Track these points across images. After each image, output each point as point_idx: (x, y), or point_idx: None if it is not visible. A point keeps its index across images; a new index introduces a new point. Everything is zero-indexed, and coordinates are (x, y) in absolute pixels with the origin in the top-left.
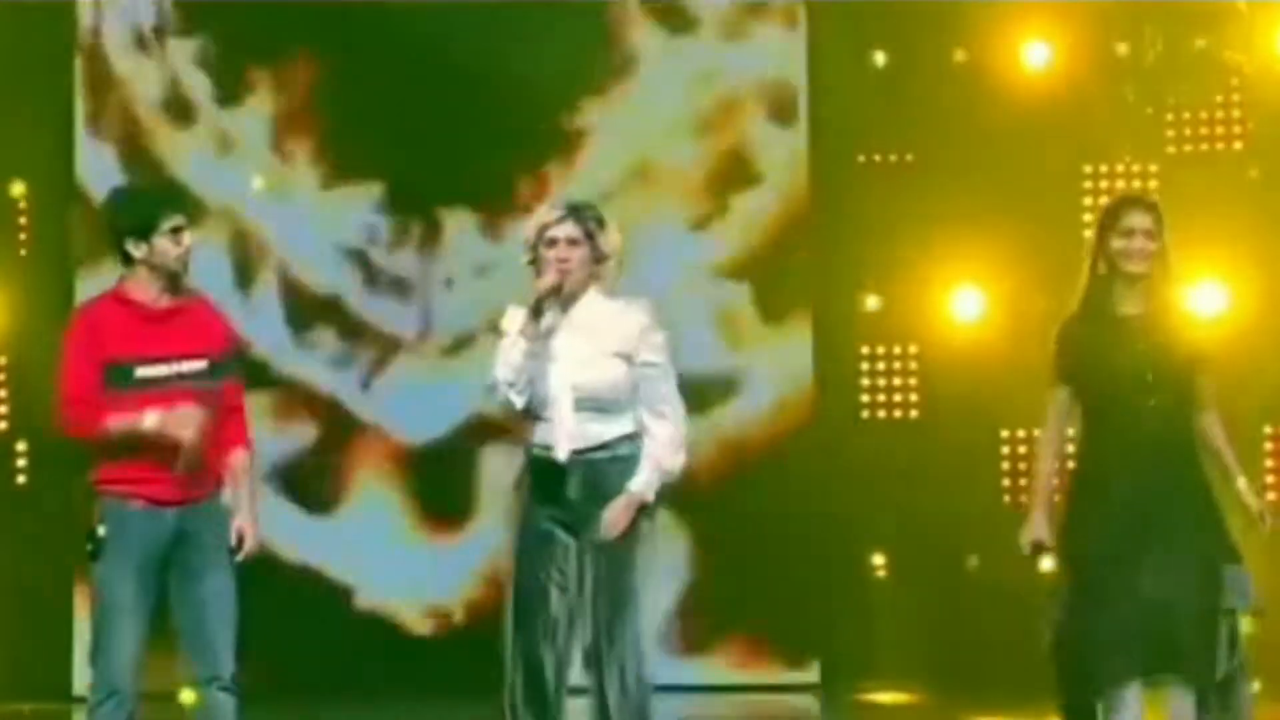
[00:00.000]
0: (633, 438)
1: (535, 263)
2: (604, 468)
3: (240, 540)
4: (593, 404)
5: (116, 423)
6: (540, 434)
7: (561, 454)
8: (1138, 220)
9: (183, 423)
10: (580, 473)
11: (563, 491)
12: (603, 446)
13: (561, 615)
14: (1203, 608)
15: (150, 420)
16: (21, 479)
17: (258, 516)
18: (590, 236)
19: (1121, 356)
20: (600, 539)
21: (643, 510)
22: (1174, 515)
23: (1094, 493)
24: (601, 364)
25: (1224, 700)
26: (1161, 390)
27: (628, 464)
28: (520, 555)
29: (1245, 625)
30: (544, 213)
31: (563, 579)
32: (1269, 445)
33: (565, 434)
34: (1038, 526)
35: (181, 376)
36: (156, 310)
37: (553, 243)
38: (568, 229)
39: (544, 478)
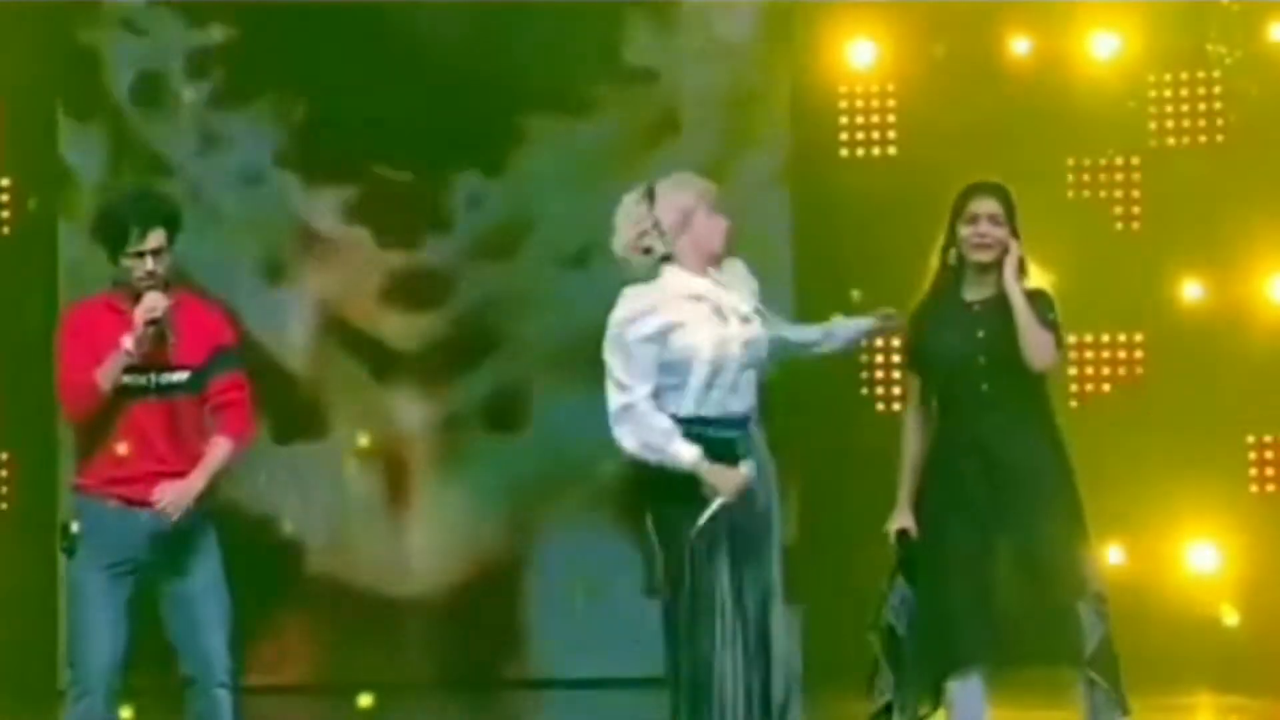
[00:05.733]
0: None
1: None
2: None
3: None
4: None
5: (105, 371)
6: None
7: None
8: (982, 205)
9: (152, 306)
10: None
11: None
12: None
13: None
14: (1053, 593)
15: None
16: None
17: (195, 491)
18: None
19: (955, 342)
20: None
21: None
22: (1024, 502)
23: (940, 480)
24: None
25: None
26: (996, 376)
27: None
28: None
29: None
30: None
31: None
32: (1252, 455)
33: None
34: (901, 515)
35: (161, 387)
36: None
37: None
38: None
39: None
